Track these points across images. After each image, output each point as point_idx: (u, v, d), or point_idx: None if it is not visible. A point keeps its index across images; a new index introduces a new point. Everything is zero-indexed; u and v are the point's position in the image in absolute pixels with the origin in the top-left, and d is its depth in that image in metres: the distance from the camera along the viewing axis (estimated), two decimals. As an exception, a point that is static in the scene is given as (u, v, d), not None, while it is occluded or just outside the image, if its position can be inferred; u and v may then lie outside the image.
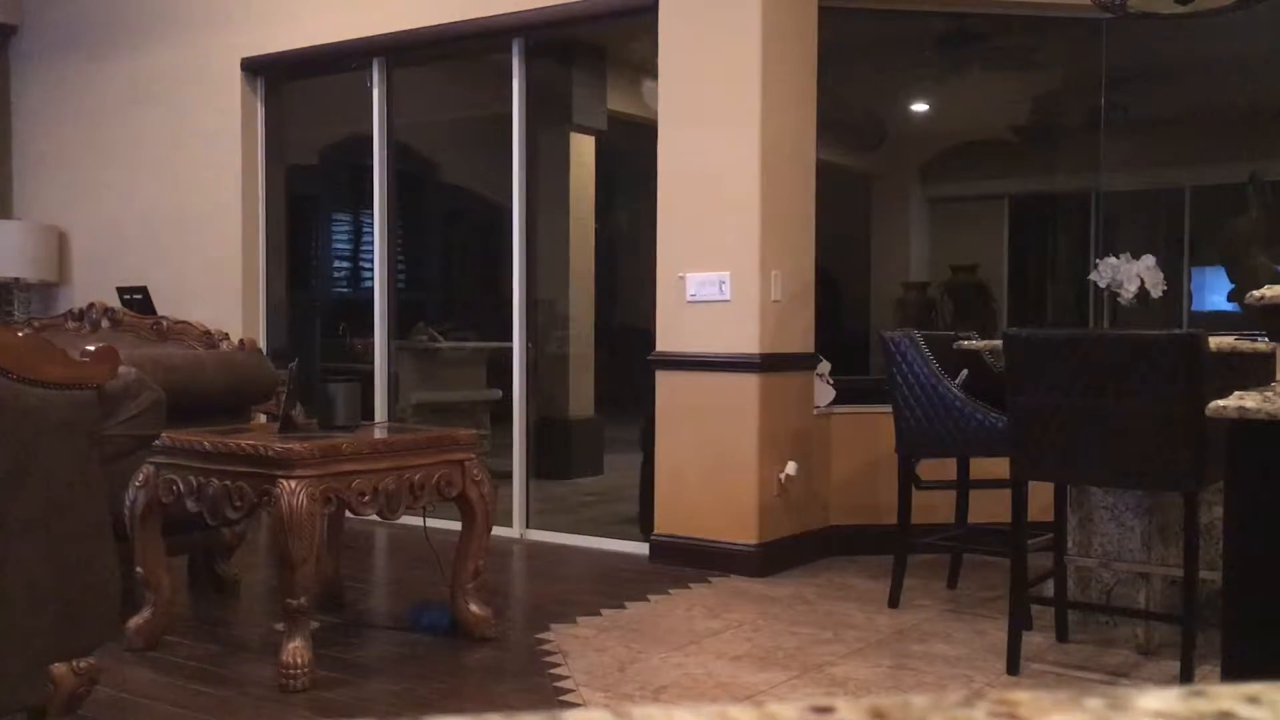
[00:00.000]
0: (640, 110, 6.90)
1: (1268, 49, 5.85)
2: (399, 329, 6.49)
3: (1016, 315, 7.44)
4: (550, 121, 7.00)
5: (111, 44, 6.94)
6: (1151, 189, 7.31)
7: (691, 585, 4.50)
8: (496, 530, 4.12)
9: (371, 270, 6.19)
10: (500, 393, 6.27)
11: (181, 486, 3.40)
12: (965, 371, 4.26)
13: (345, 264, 9.38)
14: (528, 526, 5.60)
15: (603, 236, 7.51)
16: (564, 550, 5.30)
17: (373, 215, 6.18)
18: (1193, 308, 6.76)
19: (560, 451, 7.17)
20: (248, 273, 6.47)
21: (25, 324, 5.15)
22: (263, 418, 4.75)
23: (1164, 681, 3.33)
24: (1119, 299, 4.02)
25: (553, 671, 3.39)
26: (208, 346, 4.51)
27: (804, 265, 5.01)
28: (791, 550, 4.84)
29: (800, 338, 4.97)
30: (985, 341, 4.16)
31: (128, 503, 3.46)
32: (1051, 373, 3.23)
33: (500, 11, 5.50)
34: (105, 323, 4.76)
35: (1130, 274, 3.97)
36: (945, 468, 4.40)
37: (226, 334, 4.66)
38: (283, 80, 6.57)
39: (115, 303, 5.24)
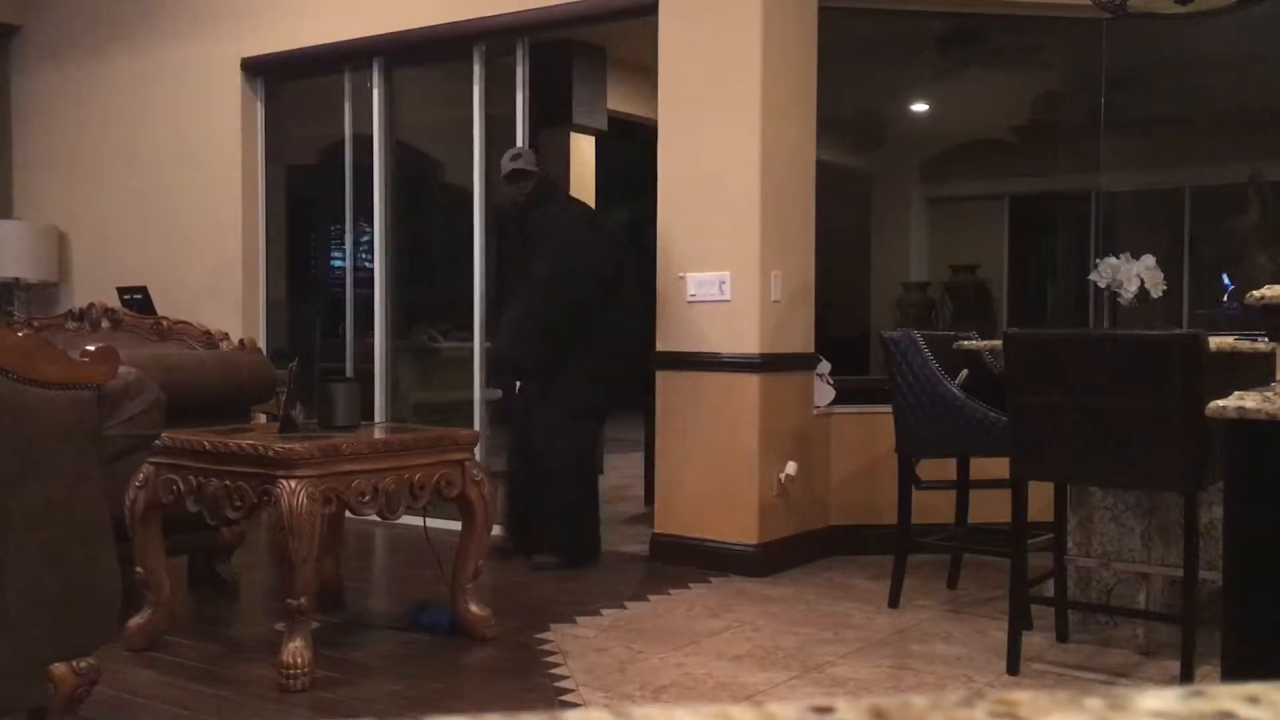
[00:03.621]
0: (640, 110, 6.90)
1: (1267, 49, 5.85)
2: (399, 329, 6.48)
3: (1016, 315, 7.44)
4: (550, 121, 7.00)
5: (112, 44, 6.95)
6: (1151, 189, 7.30)
7: (691, 585, 4.50)
8: (497, 530, 4.11)
9: (372, 270, 6.18)
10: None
11: (181, 486, 3.40)
12: (965, 371, 4.26)
13: (345, 264, 9.35)
14: (528, 526, 5.58)
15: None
16: (564, 550, 5.28)
17: (373, 215, 6.18)
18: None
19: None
20: (247, 272, 6.47)
21: (25, 324, 5.14)
22: (263, 418, 4.75)
23: (1164, 681, 3.33)
24: (1119, 299, 4.02)
25: (553, 671, 3.39)
26: (208, 346, 4.51)
27: (804, 265, 5.00)
28: (791, 550, 4.84)
29: (800, 338, 4.97)
30: (985, 341, 4.16)
31: (128, 503, 3.46)
32: (1051, 373, 3.23)
33: (500, 11, 5.50)
34: (105, 323, 4.76)
35: (1130, 274, 3.97)
36: (945, 468, 4.40)
37: (226, 334, 4.65)
38: (283, 80, 6.57)
39: (115, 303, 5.24)
